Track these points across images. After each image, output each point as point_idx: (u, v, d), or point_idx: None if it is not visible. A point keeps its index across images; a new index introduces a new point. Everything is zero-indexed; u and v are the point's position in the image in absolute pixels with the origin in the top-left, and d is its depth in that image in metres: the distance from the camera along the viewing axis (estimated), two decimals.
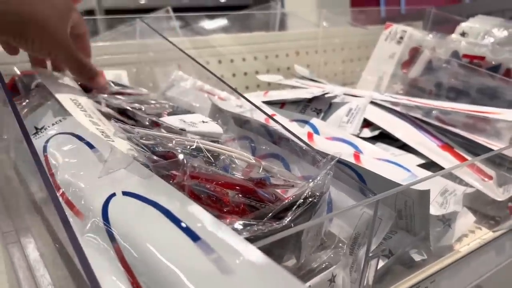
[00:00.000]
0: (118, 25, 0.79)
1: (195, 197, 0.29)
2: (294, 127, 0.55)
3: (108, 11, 1.95)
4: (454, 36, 0.91)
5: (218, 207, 0.30)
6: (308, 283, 0.30)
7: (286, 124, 0.54)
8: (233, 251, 0.20)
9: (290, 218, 0.29)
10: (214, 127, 0.39)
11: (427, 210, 0.37)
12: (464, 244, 0.46)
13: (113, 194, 0.28)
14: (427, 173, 0.48)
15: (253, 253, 0.20)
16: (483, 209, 0.50)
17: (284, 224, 0.28)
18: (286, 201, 0.30)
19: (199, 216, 0.24)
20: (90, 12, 1.93)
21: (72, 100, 0.46)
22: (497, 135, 0.59)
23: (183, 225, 0.22)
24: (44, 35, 0.44)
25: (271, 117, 0.43)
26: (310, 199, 0.29)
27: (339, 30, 1.05)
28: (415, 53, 0.78)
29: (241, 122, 0.53)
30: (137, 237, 0.23)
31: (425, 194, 0.36)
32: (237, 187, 0.31)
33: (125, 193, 0.27)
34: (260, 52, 0.92)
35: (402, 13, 1.35)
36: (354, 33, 1.06)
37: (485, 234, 0.48)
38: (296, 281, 0.19)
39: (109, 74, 0.64)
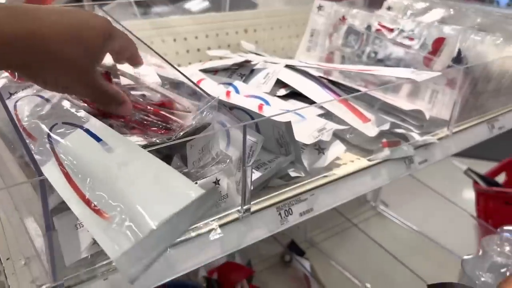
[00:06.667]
0: None
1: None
2: (221, 88, 0.69)
3: None
4: (380, 11, 1.05)
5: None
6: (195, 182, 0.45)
7: (215, 86, 0.69)
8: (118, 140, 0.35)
9: (177, 135, 0.43)
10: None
11: (293, 136, 0.52)
12: (340, 168, 0.60)
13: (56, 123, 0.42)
14: (318, 119, 0.63)
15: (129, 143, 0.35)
16: (362, 144, 0.65)
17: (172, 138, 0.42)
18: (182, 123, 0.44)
19: (104, 128, 0.38)
20: None
21: None
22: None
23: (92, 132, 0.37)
24: (69, 75, 0.40)
25: (183, 74, 0.57)
26: (197, 126, 0.44)
27: (283, 9, 1.18)
28: (337, 25, 0.92)
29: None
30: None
31: (288, 124, 0.51)
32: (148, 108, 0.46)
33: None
34: (212, 31, 1.05)
35: None
36: (294, 11, 1.18)
37: (362, 162, 0.63)
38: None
39: None
